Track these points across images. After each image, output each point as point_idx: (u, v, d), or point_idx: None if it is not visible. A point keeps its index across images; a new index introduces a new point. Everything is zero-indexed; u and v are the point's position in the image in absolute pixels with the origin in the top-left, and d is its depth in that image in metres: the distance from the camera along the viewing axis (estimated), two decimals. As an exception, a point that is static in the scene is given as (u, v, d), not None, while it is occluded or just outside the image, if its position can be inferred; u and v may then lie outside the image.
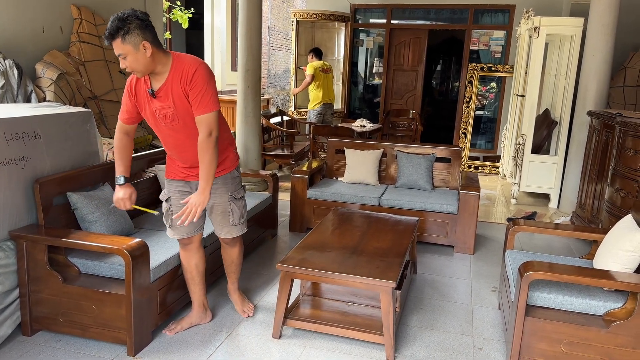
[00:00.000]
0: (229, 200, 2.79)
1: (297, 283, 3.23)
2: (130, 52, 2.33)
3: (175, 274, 2.95)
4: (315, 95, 7.34)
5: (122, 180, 2.65)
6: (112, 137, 4.56)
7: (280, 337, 2.87)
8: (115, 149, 2.68)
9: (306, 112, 8.00)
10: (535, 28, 5.74)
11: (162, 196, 2.82)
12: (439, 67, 12.38)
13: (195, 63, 2.45)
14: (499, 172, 7.48)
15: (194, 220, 2.55)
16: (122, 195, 2.64)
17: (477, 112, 8.83)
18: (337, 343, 2.83)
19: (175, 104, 2.47)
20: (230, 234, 2.88)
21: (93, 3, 4.93)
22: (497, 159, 7.79)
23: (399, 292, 3.00)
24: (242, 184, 2.94)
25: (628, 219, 2.88)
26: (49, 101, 3.90)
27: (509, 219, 3.40)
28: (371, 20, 8.91)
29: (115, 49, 2.35)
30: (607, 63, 5.12)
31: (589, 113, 4.79)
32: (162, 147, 3.50)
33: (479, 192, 4.25)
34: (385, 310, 2.67)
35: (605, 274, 2.53)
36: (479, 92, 8.87)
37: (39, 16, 4.31)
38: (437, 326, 3.07)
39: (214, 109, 2.46)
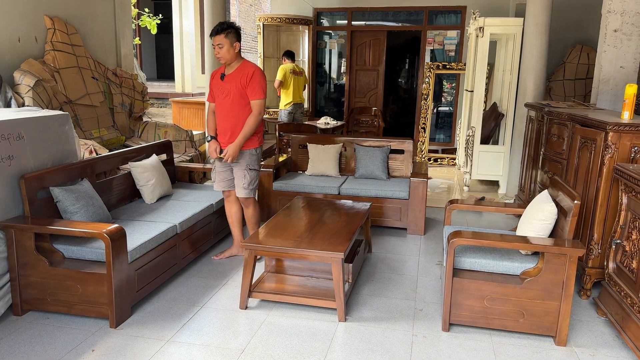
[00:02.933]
0: (244, 169, 3.81)
1: (263, 266, 3.62)
2: (226, 45, 3.63)
3: (150, 256, 3.30)
4: (285, 96, 7.73)
5: (209, 138, 3.90)
6: (87, 139, 4.87)
7: (246, 308, 3.25)
8: (207, 121, 4.04)
9: (275, 111, 8.38)
10: (480, 28, 6.24)
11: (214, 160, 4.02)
12: (405, 66, 12.88)
13: (253, 67, 3.73)
14: (456, 163, 7.99)
15: (228, 161, 3.76)
16: (210, 148, 3.84)
17: (440, 109, 9.37)
18: (296, 310, 3.22)
19: (233, 87, 3.69)
20: (241, 194, 3.88)
21: (65, 14, 5.23)
22: (454, 151, 8.30)
23: (350, 265, 3.42)
24: (261, 162, 4.11)
25: (544, 194, 3.35)
26: (28, 106, 4.20)
27: (449, 202, 3.85)
28: (334, 23, 9.34)
29: (216, 39, 3.63)
30: (543, 59, 5.64)
31: (526, 105, 5.30)
32: (133, 146, 4.24)
33: (427, 178, 4.70)
34: (336, 278, 3.08)
35: (516, 238, 2.99)
36: (445, 90, 9.39)
37: (14, 27, 4.59)
38: (385, 294, 3.49)
39: (261, 97, 3.71)
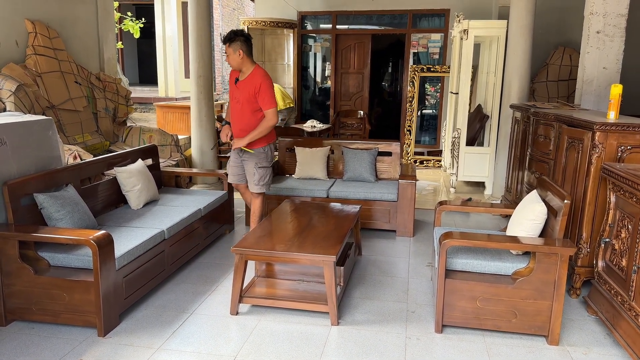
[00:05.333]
0: (254, 167, 4.07)
1: (253, 271, 3.58)
2: (230, 53, 3.91)
3: (138, 263, 3.24)
4: (278, 100, 7.72)
5: (224, 123, 4.23)
6: (70, 144, 4.78)
7: (237, 313, 3.20)
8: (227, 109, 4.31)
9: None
10: (465, 30, 6.28)
11: (230, 154, 4.28)
12: (389, 70, 12.95)
13: (260, 77, 3.93)
14: (441, 165, 8.02)
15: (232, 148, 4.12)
16: (222, 132, 4.15)
17: (425, 111, 9.41)
18: (288, 315, 3.19)
19: (243, 96, 3.95)
20: (253, 189, 4.17)
21: (46, 17, 5.13)
22: (439, 153, 8.34)
23: (342, 268, 3.40)
24: (270, 161, 4.21)
25: (533, 194, 3.37)
26: (9, 111, 4.10)
27: (439, 203, 3.84)
28: (318, 26, 9.34)
29: (225, 48, 3.91)
30: (527, 60, 5.70)
31: (511, 106, 5.34)
32: (118, 151, 4.26)
33: (415, 180, 4.70)
34: (329, 282, 3.05)
35: (507, 238, 3.00)
36: (428, 93, 9.43)
37: (-6, 31, 4.50)
38: (376, 296, 3.47)
39: (272, 106, 3.97)
